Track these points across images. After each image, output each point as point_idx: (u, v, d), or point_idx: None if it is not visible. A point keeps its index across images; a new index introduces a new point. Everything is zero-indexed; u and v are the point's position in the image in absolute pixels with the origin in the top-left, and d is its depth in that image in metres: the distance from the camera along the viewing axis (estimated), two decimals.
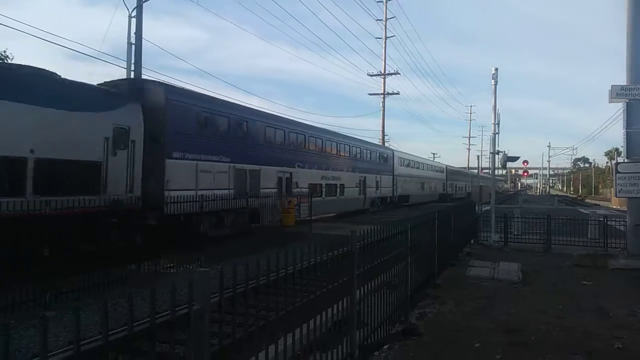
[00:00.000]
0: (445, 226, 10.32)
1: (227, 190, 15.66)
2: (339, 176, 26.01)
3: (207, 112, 15.71)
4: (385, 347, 5.65)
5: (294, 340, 3.58)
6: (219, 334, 3.04)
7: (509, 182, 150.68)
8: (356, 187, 28.39)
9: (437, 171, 52.76)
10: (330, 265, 4.26)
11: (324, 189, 23.83)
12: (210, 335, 2.64)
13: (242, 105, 19.02)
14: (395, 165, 36.24)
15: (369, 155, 31.43)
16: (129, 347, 2.32)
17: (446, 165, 59.06)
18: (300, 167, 21.46)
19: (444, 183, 54.85)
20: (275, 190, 18.52)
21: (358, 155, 29.59)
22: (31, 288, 7.85)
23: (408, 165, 40.47)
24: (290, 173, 20.55)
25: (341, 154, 27.20)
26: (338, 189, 25.75)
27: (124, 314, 2.33)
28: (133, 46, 18.91)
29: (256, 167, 17.70)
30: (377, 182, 31.85)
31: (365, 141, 32.91)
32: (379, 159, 33.52)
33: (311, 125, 25.29)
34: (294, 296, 3.69)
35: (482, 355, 5.55)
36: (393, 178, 35.52)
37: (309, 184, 21.80)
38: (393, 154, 36.91)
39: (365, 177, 29.59)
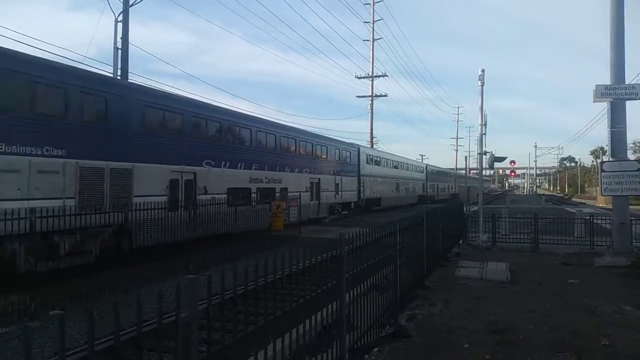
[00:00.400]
0: (434, 227, 10.38)
1: (61, 200, 10.54)
2: (280, 178, 20.51)
3: (12, 75, 10.01)
4: (376, 349, 5.65)
5: (284, 345, 3.57)
6: (207, 341, 3.02)
7: (496, 182, 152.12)
8: (306, 191, 23.10)
9: (415, 171, 48.30)
10: (319, 269, 4.26)
11: (255, 195, 18.27)
12: (199, 342, 2.63)
13: (97, 74, 13.87)
14: (361, 164, 31.47)
15: (324, 153, 25.79)
16: (115, 356, 2.30)
17: (426, 165, 54.68)
18: (211, 166, 16.01)
19: (423, 184, 50.47)
20: (165, 197, 13.71)
21: (308, 152, 24.04)
22: (17, 298, 7.73)
23: (378, 164, 35.96)
24: (194, 174, 15.09)
25: (283, 149, 21.40)
26: (278, 195, 20.07)
27: (111, 322, 2.31)
28: (120, 51, 18.79)
29: (125, 164, 12.48)
30: (336, 184, 26.97)
31: (320, 135, 27.29)
32: (340, 157, 28.23)
33: (231, 111, 18.79)
34: (283, 301, 3.68)
35: (472, 356, 5.58)
36: (359, 179, 30.85)
37: (228, 188, 16.68)
38: (359, 150, 31.87)
39: (319, 179, 24.57)
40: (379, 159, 36.52)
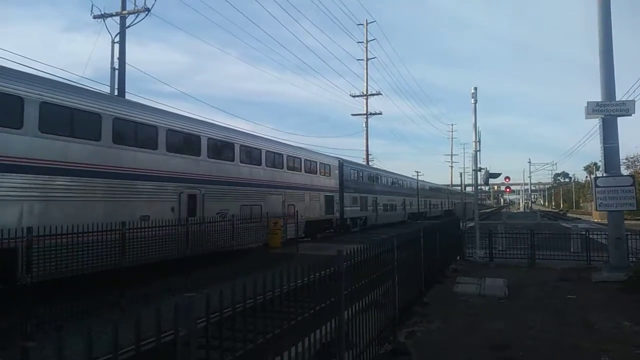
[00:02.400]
0: (431, 244, 10.37)
1: None
2: None
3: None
4: None
5: None
6: None
7: (492, 198, 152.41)
8: None
9: (311, 171, 23.80)
10: (317, 286, 4.24)
11: None
12: None
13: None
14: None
15: None
16: None
17: (341, 162, 28.42)
18: None
19: (331, 198, 25.66)
20: None
21: None
22: (12, 317, 7.62)
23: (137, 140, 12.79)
24: None
25: None
26: None
27: (109, 342, 2.29)
28: (116, 71, 18.92)
29: None
30: None
31: None
32: None
33: None
34: (282, 319, 3.66)
35: None
36: None
37: None
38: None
39: None
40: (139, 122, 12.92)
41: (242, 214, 16.11)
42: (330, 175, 26.29)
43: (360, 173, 32.27)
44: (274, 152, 20.27)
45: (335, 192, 26.59)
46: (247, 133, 19.25)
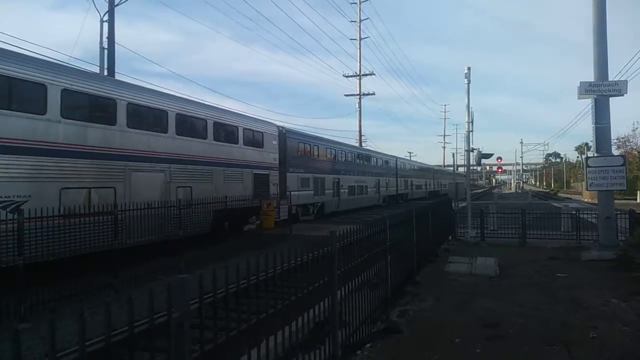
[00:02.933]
0: (424, 224, 10.44)
1: None
2: None
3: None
4: (368, 345, 5.67)
5: (277, 343, 3.57)
6: (200, 340, 3.00)
7: (484, 178, 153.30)
8: None
9: (228, 140, 16.76)
10: (310, 266, 4.26)
11: None
12: (192, 341, 2.61)
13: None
14: None
15: None
16: (107, 357, 2.28)
17: (283, 130, 21.84)
18: None
19: (265, 177, 19.21)
20: None
21: None
22: (6, 299, 7.61)
23: None
24: None
25: None
26: None
27: (102, 323, 2.29)
28: (106, 51, 18.58)
29: None
30: None
31: None
32: None
33: None
34: (275, 299, 3.68)
35: (463, 350, 5.63)
36: None
37: None
38: None
39: None
40: None
41: (65, 202, 10.10)
42: (262, 147, 19.12)
43: (315, 148, 25.18)
44: (150, 108, 13.40)
45: (271, 169, 19.84)
46: (87, 73, 12.87)
